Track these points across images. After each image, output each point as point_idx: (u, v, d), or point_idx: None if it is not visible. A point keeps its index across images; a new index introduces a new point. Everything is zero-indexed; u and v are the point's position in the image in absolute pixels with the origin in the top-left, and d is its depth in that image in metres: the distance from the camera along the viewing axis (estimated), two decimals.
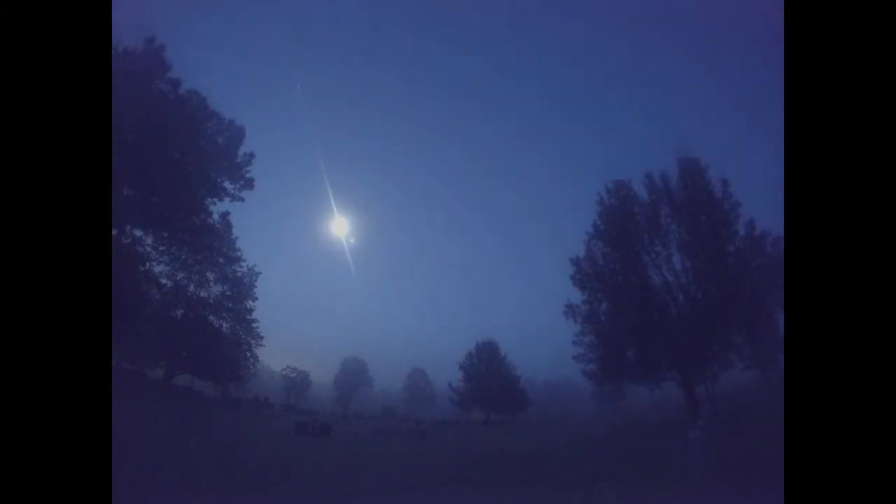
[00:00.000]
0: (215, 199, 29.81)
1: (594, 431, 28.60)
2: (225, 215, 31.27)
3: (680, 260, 25.35)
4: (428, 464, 15.24)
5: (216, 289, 33.24)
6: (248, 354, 34.00)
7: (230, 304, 33.22)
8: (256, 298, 34.08)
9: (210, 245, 30.73)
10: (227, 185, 29.90)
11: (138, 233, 26.69)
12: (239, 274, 33.47)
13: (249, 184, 30.29)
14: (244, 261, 33.56)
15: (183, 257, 30.27)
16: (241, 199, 30.41)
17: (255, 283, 33.99)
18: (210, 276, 32.95)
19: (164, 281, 30.13)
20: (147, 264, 27.62)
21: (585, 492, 9.65)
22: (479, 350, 52.96)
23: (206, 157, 28.38)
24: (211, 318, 32.71)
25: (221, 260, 32.57)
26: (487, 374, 51.34)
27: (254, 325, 33.76)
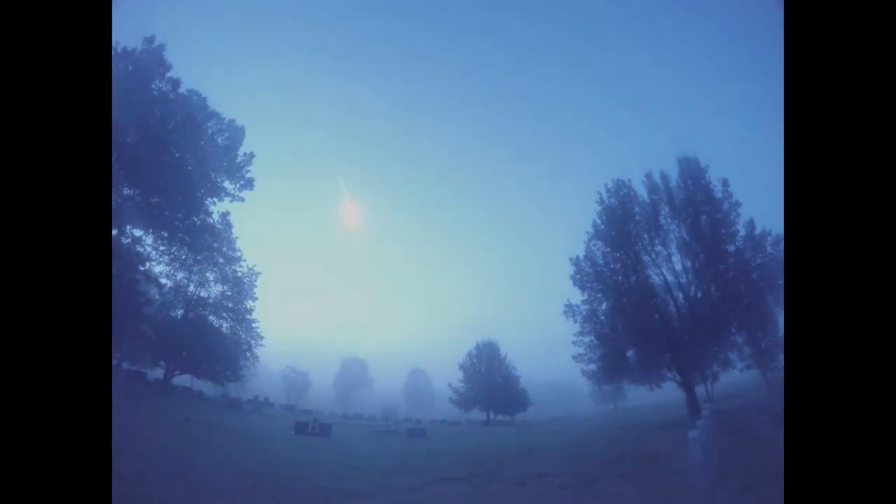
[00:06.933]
0: (215, 199, 29.96)
1: (594, 431, 28.59)
2: (225, 215, 31.43)
3: (680, 260, 25.39)
4: (428, 463, 15.24)
5: (216, 289, 33.24)
6: (248, 354, 33.99)
7: (230, 304, 33.22)
8: (256, 298, 34.10)
9: (210, 245, 30.85)
10: (227, 185, 30.03)
11: (138, 233, 26.77)
12: (239, 274, 33.48)
13: (249, 184, 30.42)
14: (244, 261, 33.61)
15: (183, 257, 30.35)
16: (242, 199, 30.57)
17: (256, 283, 34.02)
18: (210, 276, 32.96)
19: (164, 281, 30.17)
20: (147, 264, 27.67)
21: (585, 491, 9.65)
22: (479, 350, 53.00)
23: (206, 157, 28.47)
24: (211, 318, 32.71)
25: (221, 260, 32.62)
26: (487, 374, 51.37)
27: (254, 325, 33.78)
